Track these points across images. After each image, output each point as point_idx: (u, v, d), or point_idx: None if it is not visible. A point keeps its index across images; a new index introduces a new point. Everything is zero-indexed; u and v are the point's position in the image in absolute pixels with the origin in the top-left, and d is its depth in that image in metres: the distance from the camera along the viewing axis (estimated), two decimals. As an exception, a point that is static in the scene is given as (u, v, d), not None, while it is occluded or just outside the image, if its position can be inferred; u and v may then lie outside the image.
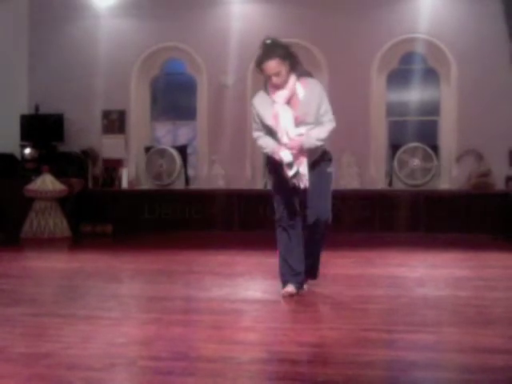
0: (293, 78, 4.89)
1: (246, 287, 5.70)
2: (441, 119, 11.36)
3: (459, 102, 10.94)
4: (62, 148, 11.82)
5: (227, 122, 11.48)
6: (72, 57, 11.94)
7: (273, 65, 4.85)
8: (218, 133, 11.54)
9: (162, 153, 11.48)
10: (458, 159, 10.91)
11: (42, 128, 11.84)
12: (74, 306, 4.83)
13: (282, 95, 4.87)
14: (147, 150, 11.70)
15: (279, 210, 5.04)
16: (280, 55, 4.88)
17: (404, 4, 11.09)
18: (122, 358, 3.34)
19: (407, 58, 11.44)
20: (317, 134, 4.84)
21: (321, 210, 4.94)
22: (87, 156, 11.71)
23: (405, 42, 11.23)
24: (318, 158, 4.96)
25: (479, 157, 10.73)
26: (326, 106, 4.90)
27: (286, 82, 4.86)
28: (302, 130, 4.83)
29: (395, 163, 10.80)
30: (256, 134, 5.02)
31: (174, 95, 12.40)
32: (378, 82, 11.34)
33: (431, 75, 11.39)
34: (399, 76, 11.48)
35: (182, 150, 11.61)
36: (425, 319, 4.37)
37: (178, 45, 11.84)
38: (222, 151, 11.48)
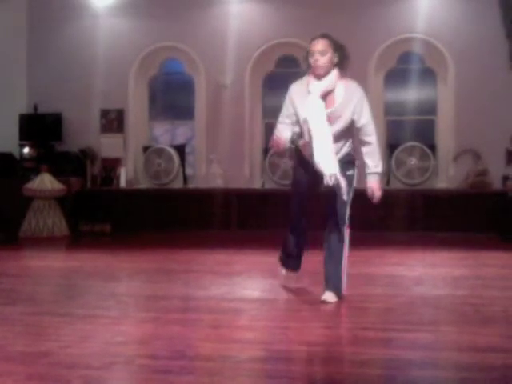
0: (335, 72, 4.73)
1: (244, 286, 5.71)
2: (438, 118, 11.37)
3: (456, 102, 10.94)
4: (61, 147, 11.82)
5: (225, 122, 11.49)
6: (70, 56, 11.94)
7: (322, 42, 4.73)
8: (216, 132, 11.54)
9: (160, 152, 11.48)
10: (456, 158, 10.92)
11: (41, 127, 11.84)
12: (73, 304, 4.84)
13: (318, 86, 4.68)
14: (145, 149, 11.71)
15: (289, 209, 5.12)
16: (332, 40, 4.79)
17: (401, 4, 11.10)
18: (120, 357, 3.35)
19: (405, 58, 11.44)
20: (377, 160, 4.80)
21: (336, 213, 4.81)
22: (86, 155, 11.71)
23: (402, 42, 11.23)
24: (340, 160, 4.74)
25: (476, 156, 10.74)
26: (367, 115, 4.74)
27: (327, 71, 4.70)
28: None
29: (393, 162, 10.81)
30: (281, 119, 4.83)
31: (172, 95, 12.40)
32: (375, 81, 11.34)
33: (429, 75, 11.40)
34: (397, 75, 11.47)
35: (180, 150, 11.61)
36: (422, 318, 4.38)
37: (176, 44, 11.83)
38: (220, 150, 11.48)
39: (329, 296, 4.78)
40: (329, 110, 4.67)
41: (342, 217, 4.81)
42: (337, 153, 4.71)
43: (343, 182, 4.60)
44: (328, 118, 4.65)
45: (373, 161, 4.79)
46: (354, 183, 4.89)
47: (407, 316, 4.40)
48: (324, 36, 4.77)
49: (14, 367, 3.17)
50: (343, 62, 4.80)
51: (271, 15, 11.43)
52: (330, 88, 4.71)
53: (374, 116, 11.77)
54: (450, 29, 10.86)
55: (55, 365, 3.21)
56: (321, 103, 4.68)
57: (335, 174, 4.57)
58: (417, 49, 11.20)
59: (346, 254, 4.86)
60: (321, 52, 4.69)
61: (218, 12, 11.60)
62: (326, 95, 4.70)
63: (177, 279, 6.05)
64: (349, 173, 4.79)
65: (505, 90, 10.58)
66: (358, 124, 4.74)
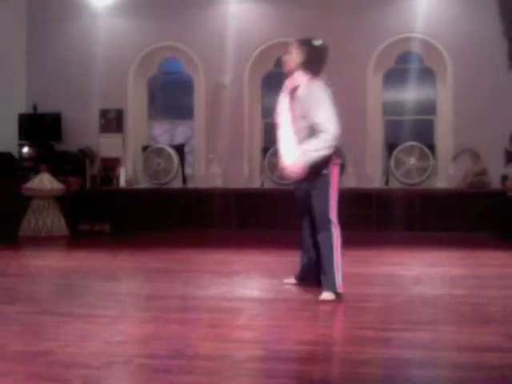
0: (301, 71, 4.99)
1: (244, 286, 5.72)
2: (437, 118, 11.38)
3: (455, 102, 10.95)
4: (60, 147, 11.83)
5: (224, 121, 11.49)
6: (70, 56, 11.95)
7: (291, 44, 5.10)
8: (216, 132, 11.54)
9: (160, 152, 11.49)
10: (454, 158, 10.93)
11: (40, 127, 11.85)
12: (72, 304, 4.84)
13: (286, 83, 5.06)
14: (145, 148, 11.71)
15: None
16: (299, 41, 5.07)
17: (400, 3, 11.11)
18: (119, 356, 3.35)
19: (403, 58, 11.45)
20: (313, 146, 4.84)
21: (317, 213, 5.00)
22: (85, 155, 11.71)
23: (401, 42, 11.24)
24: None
25: (475, 156, 10.75)
26: (321, 115, 4.84)
27: (293, 69, 5.03)
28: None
29: (391, 162, 10.82)
30: None
31: (171, 94, 12.41)
32: (374, 81, 11.36)
33: (427, 74, 11.41)
34: (395, 75, 11.48)
35: (180, 149, 11.62)
36: (421, 317, 4.39)
37: (176, 44, 11.84)
38: (219, 150, 11.48)
39: (326, 295, 4.85)
40: (294, 107, 4.98)
41: (326, 216, 4.96)
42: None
43: (300, 171, 4.90)
44: (294, 114, 4.96)
45: (307, 145, 4.88)
46: (333, 182, 4.98)
47: (406, 315, 4.41)
48: (296, 39, 5.13)
49: (13, 367, 3.18)
50: (309, 61, 4.99)
51: (270, 15, 11.43)
52: (294, 85, 5.01)
53: (373, 116, 11.74)
54: (449, 28, 10.87)
55: (54, 364, 3.21)
56: (284, 98, 5.05)
57: (293, 165, 4.90)
58: (416, 49, 11.21)
59: (337, 252, 4.96)
60: (288, 52, 5.09)
61: (217, 12, 11.61)
62: (293, 92, 5.03)
63: (176, 279, 6.06)
64: (324, 171, 4.93)
65: (503, 90, 10.59)
66: (312, 122, 4.88)
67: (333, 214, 5.00)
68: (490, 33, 10.56)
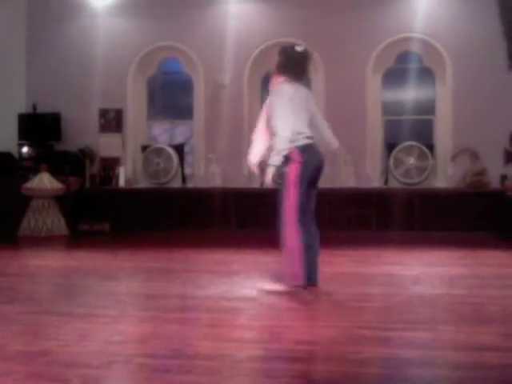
0: (277, 75, 5.29)
1: (243, 285, 5.72)
2: (436, 118, 11.38)
3: (454, 101, 10.96)
4: (60, 147, 11.82)
5: (224, 121, 11.49)
6: (69, 56, 11.94)
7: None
8: (215, 132, 11.54)
9: (159, 151, 11.49)
10: (454, 158, 10.93)
11: (40, 127, 11.84)
12: (72, 304, 4.85)
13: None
14: (144, 148, 11.71)
15: None
16: (281, 47, 5.51)
17: (400, 3, 11.11)
18: (119, 356, 3.36)
19: (403, 58, 11.45)
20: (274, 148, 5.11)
21: (282, 211, 5.10)
22: (84, 155, 11.71)
23: (400, 42, 11.24)
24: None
25: (474, 155, 10.75)
26: (274, 118, 5.09)
27: (273, 72, 5.42)
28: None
29: (391, 162, 10.82)
30: None
31: (170, 94, 12.41)
32: (373, 81, 11.36)
33: (427, 74, 11.41)
34: (395, 75, 11.48)
35: (179, 149, 11.62)
36: (420, 317, 4.40)
37: (175, 44, 11.83)
38: (218, 150, 11.48)
39: (271, 286, 5.25)
40: (267, 108, 5.29)
41: (283, 214, 5.07)
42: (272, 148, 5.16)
43: (257, 171, 5.32)
44: (267, 115, 5.25)
45: (271, 154, 5.11)
46: (290, 181, 5.06)
47: (405, 315, 4.42)
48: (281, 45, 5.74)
49: (13, 366, 3.19)
50: (284, 66, 5.26)
51: (270, 15, 11.43)
52: (270, 88, 5.37)
53: (373, 116, 11.73)
54: (448, 28, 10.88)
55: (54, 364, 3.22)
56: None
57: (252, 164, 5.29)
58: (415, 48, 11.21)
59: (296, 248, 4.99)
60: None
61: (217, 11, 11.61)
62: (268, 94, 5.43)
63: (175, 278, 6.06)
64: (284, 170, 5.08)
65: (503, 90, 10.59)
66: (272, 123, 5.14)
67: (288, 213, 5.03)
68: (490, 33, 10.57)
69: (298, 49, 5.27)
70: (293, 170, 5.03)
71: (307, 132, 5.14)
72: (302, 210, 5.04)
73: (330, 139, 5.47)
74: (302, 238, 5.01)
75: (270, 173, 5.02)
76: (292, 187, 5.02)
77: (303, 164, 5.04)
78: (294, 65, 5.22)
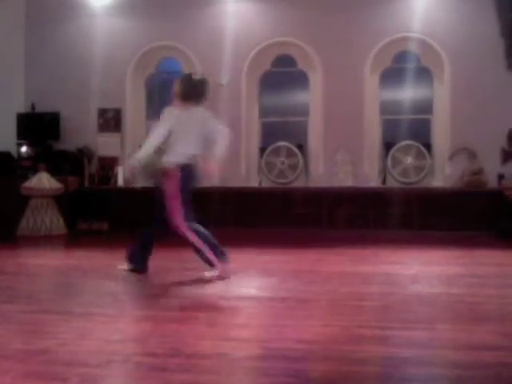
0: (176, 99, 6.20)
1: (241, 284, 5.73)
2: (434, 118, 11.39)
3: (452, 101, 10.97)
4: (59, 146, 11.82)
5: (222, 120, 11.45)
6: (68, 55, 11.95)
7: None
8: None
9: (159, 151, 11.46)
10: (451, 157, 10.94)
11: (39, 126, 11.85)
12: (70, 302, 4.86)
13: None
14: (143, 148, 11.70)
15: None
16: (181, 75, 6.78)
17: (397, 3, 11.12)
18: (117, 355, 3.36)
19: (400, 57, 11.45)
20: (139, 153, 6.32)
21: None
22: (83, 154, 11.72)
23: (398, 41, 11.25)
24: None
25: (472, 155, 10.77)
26: (151, 132, 6.31)
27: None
28: None
29: (389, 161, 10.84)
30: None
31: (169, 94, 12.37)
32: (371, 80, 11.36)
33: (424, 74, 11.41)
34: (393, 75, 11.49)
35: (178, 148, 11.60)
36: (418, 316, 4.40)
37: (174, 44, 11.84)
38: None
39: None
40: None
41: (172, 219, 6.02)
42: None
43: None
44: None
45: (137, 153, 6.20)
46: (173, 188, 6.00)
47: (403, 314, 4.42)
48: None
49: (12, 365, 3.19)
50: (180, 92, 6.16)
51: (268, 14, 11.44)
52: None
53: (370, 115, 11.82)
54: (446, 28, 10.89)
55: (53, 362, 3.22)
56: None
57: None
58: (413, 48, 11.21)
59: (198, 242, 6.09)
60: None
61: (215, 11, 11.61)
62: None
63: (173, 277, 6.07)
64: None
65: (500, 89, 10.61)
66: None
67: (176, 219, 6.08)
68: (487, 32, 10.58)
69: (196, 77, 6.15)
70: (173, 184, 5.94)
71: (190, 151, 6.10)
72: (185, 214, 6.00)
73: (220, 151, 6.32)
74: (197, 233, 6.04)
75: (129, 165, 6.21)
76: (173, 199, 5.95)
77: (181, 178, 5.96)
78: (193, 92, 6.04)
